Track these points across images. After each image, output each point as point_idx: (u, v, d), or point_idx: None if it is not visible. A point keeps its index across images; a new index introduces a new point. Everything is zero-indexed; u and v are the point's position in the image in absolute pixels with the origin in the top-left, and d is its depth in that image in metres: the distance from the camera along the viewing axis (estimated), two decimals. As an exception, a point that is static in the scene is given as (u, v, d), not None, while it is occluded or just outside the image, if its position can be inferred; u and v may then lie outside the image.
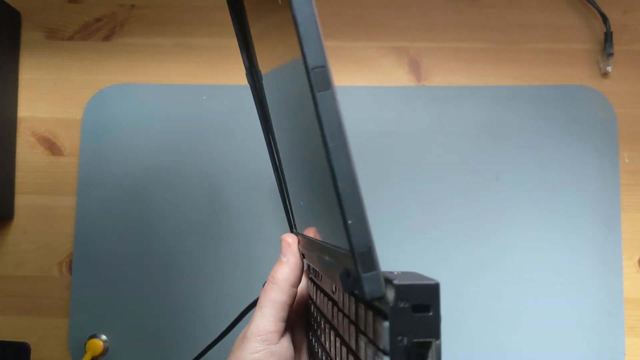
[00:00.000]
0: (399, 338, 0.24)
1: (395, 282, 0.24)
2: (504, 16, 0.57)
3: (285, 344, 0.35)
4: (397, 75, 0.56)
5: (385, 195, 0.54)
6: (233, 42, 0.57)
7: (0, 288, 0.55)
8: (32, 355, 0.54)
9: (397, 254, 0.54)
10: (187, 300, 0.54)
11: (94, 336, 0.53)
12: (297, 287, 0.36)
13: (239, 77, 0.57)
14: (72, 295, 0.54)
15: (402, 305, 0.24)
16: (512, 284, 0.53)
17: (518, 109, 0.55)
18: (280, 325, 0.35)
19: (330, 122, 0.24)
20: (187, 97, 0.55)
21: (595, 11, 0.56)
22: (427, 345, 0.25)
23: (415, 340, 0.24)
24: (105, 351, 0.53)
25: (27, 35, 0.58)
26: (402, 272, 0.27)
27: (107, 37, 0.57)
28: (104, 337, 0.53)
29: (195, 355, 0.47)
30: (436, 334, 0.24)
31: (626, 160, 0.55)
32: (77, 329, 0.54)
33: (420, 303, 0.24)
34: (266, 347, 0.34)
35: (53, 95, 0.57)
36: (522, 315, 0.53)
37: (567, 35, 0.57)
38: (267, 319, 0.35)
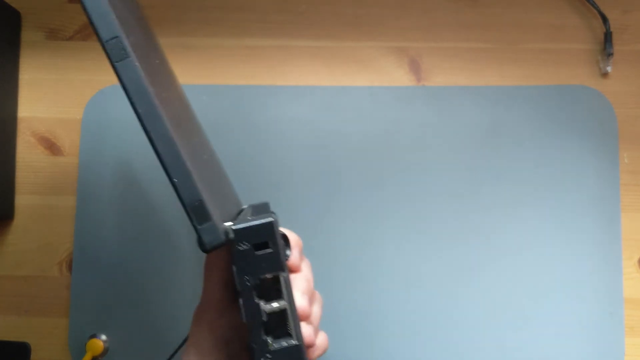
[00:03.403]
0: (246, 278, 0.25)
1: (233, 226, 0.25)
2: (504, 16, 0.57)
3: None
4: (397, 75, 0.56)
5: (385, 195, 0.54)
6: (233, 42, 0.57)
7: (0, 288, 0.55)
8: (32, 355, 0.54)
9: (397, 254, 0.54)
10: (188, 300, 0.54)
11: (94, 336, 0.53)
12: None
13: (239, 77, 0.57)
14: (72, 295, 0.54)
15: (242, 247, 0.25)
16: (512, 284, 0.53)
17: (518, 109, 0.55)
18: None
19: (135, 89, 0.24)
20: (187, 97, 0.55)
21: (595, 11, 0.56)
22: (277, 279, 0.26)
23: (261, 277, 0.25)
24: (105, 351, 0.53)
25: (27, 35, 0.58)
26: (251, 211, 0.27)
27: (107, 37, 0.57)
28: (104, 337, 0.53)
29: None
30: (281, 267, 0.25)
31: (626, 160, 0.55)
32: (77, 329, 0.54)
33: (259, 242, 0.25)
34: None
35: (53, 95, 0.57)
36: (522, 315, 0.53)
37: (567, 35, 0.57)
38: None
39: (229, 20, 0.57)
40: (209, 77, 0.57)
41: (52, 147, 0.56)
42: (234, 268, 0.25)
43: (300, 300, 0.32)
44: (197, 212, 0.25)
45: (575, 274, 0.53)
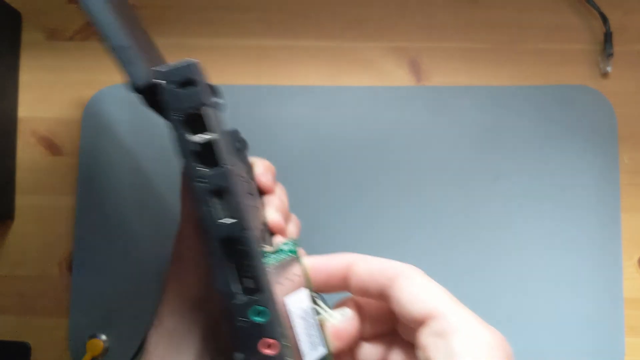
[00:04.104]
0: (176, 115, 0.28)
1: (160, 69, 0.28)
2: (504, 16, 0.57)
3: None
4: (397, 75, 0.56)
5: (385, 195, 0.54)
6: (233, 42, 0.57)
7: (0, 288, 0.55)
8: (32, 355, 0.54)
9: (396, 253, 0.54)
10: (187, 300, 0.54)
11: (94, 336, 0.53)
12: None
13: (239, 77, 0.57)
14: (72, 295, 0.54)
15: (170, 86, 0.28)
16: (512, 284, 0.53)
17: (518, 109, 0.55)
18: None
19: None
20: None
21: (595, 11, 0.56)
22: (202, 116, 0.28)
23: (189, 111, 0.28)
24: (105, 351, 0.53)
25: (27, 35, 0.58)
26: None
27: (107, 37, 0.57)
28: (104, 337, 0.53)
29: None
30: (205, 102, 0.28)
31: (626, 161, 0.55)
32: (77, 329, 0.54)
33: (186, 80, 0.28)
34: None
35: (53, 95, 0.57)
36: (522, 315, 0.53)
37: (568, 35, 0.57)
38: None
39: (229, 20, 0.57)
40: (210, 77, 0.57)
41: (52, 147, 0.56)
42: (164, 108, 0.28)
43: (273, 215, 0.36)
44: (123, 53, 0.28)
45: (575, 273, 0.53)
